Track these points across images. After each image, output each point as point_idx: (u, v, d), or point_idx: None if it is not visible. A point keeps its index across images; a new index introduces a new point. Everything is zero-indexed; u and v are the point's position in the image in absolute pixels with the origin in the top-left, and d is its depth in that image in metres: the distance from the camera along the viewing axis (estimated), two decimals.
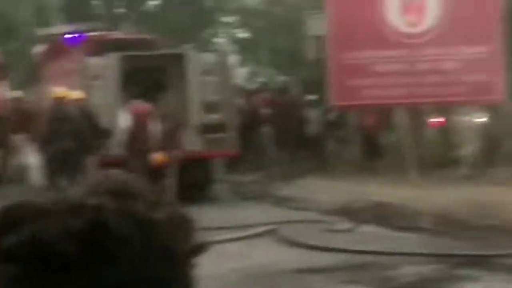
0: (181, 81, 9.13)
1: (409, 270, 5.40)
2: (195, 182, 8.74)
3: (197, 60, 9.33)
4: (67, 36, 9.87)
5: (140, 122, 8.38)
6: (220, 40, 17.97)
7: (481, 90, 9.53)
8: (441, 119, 11.75)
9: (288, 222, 7.11)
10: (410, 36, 9.63)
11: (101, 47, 9.04)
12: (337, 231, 6.79)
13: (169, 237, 0.33)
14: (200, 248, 0.36)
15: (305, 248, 6.06)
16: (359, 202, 7.66)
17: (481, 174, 9.32)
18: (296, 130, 11.71)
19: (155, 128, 8.49)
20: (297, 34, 13.26)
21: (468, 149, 10.79)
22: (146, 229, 0.32)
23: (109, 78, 8.83)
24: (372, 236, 6.60)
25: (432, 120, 11.75)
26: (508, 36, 9.15)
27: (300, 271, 5.38)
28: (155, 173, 7.77)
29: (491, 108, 10.94)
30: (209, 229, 4.99)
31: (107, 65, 8.84)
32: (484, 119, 11.74)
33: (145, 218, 0.32)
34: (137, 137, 8.29)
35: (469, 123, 12.01)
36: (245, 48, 17.12)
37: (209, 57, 9.89)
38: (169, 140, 8.37)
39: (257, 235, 6.58)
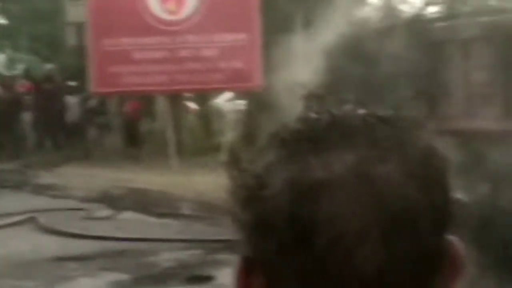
0: None
1: (168, 256, 5.57)
2: None
3: None
4: None
5: None
6: None
7: (239, 77, 9.84)
8: (196, 106, 12.43)
9: (47, 210, 6.99)
10: (169, 23, 9.80)
11: None
12: (96, 218, 6.84)
13: None
14: None
15: (64, 236, 6.03)
16: (119, 189, 7.76)
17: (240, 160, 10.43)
18: (57, 117, 11.62)
19: None
20: (57, 21, 13.14)
21: (228, 135, 11.13)
22: None
23: None
24: (131, 223, 6.71)
25: (190, 106, 12.42)
26: (266, 23, 9.52)
27: (59, 259, 5.39)
28: None
29: (249, 95, 11.44)
30: None
31: None
32: (243, 106, 12.22)
33: None
34: None
35: (228, 109, 12.36)
36: (1, 34, 16.26)
37: None
38: None
39: (16, 224, 6.49)
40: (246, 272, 0.33)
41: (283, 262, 0.30)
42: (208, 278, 5.12)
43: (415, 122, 0.33)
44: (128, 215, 6.97)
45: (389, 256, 0.29)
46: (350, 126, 0.31)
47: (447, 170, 0.32)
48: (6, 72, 15.15)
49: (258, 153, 0.34)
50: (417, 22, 8.35)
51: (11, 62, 16.64)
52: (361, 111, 0.33)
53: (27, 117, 11.55)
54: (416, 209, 0.29)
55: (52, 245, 5.79)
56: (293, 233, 0.29)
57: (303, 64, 7.62)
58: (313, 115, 0.33)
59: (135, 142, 11.13)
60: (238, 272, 0.34)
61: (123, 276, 5.17)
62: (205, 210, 6.99)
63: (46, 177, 9.06)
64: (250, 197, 0.32)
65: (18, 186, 8.69)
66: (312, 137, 0.31)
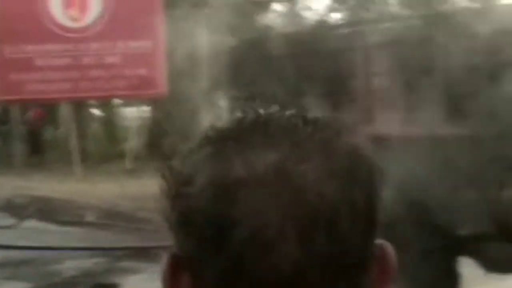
0: None
1: (72, 264, 5.39)
2: None
3: None
4: None
5: None
6: None
7: (143, 84, 9.78)
8: (101, 113, 12.23)
9: None
10: (72, 30, 9.72)
11: None
12: None
13: None
14: None
15: None
16: (22, 197, 7.46)
17: (144, 168, 9.43)
18: None
19: None
20: None
21: (132, 142, 10.94)
22: None
23: None
24: (35, 231, 6.44)
25: (94, 113, 12.22)
26: (169, 30, 9.19)
27: None
28: None
29: (153, 102, 11.29)
30: None
31: None
32: (147, 113, 12.11)
33: None
34: None
35: (132, 117, 12.19)
36: None
37: None
38: None
39: None
40: (173, 270, 0.34)
41: (204, 259, 0.31)
42: (112, 286, 4.94)
43: (341, 125, 0.34)
44: (31, 223, 6.71)
45: (306, 254, 0.29)
46: (274, 126, 0.32)
47: (372, 172, 0.33)
48: None
49: (186, 152, 0.35)
50: (320, 29, 8.49)
51: None
52: (287, 112, 0.34)
53: None
54: (335, 208, 0.30)
55: None
56: (212, 230, 0.30)
57: (206, 70, 7.74)
58: (239, 115, 0.34)
59: (39, 149, 10.85)
60: (165, 269, 0.35)
61: (25, 285, 5.15)
62: (109, 217, 6.90)
63: None
64: (176, 194, 0.33)
65: None
66: (236, 136, 0.32)
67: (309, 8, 9.82)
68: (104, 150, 11.13)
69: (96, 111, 12.41)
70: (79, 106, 10.71)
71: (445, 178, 3.83)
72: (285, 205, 0.29)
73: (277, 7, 10.65)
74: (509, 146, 3.72)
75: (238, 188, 0.30)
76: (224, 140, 0.32)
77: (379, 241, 0.34)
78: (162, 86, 9.62)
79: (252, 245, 0.29)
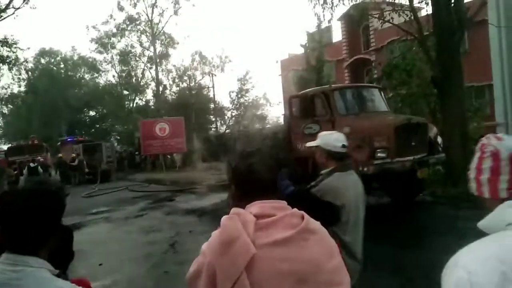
0: None
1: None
2: None
3: None
4: None
5: None
6: None
7: None
8: None
9: None
10: None
11: None
12: None
13: None
14: None
15: None
16: None
17: None
18: None
19: None
20: None
21: None
22: None
23: None
24: None
25: None
26: None
27: None
28: None
29: None
30: None
31: None
32: None
33: None
34: None
35: None
36: None
37: None
38: None
39: None
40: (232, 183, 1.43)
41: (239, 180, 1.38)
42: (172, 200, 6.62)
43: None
44: None
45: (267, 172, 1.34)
46: (259, 152, 1.42)
47: (279, 164, 1.53)
48: None
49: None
50: None
51: None
52: None
53: None
54: (275, 168, 1.43)
55: None
56: (247, 171, 1.34)
57: None
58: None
59: None
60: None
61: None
62: None
63: None
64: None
65: None
66: (251, 153, 1.45)
67: None
68: None
69: None
70: None
71: None
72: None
73: None
74: None
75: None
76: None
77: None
78: None
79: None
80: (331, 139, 2.61)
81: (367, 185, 8.38)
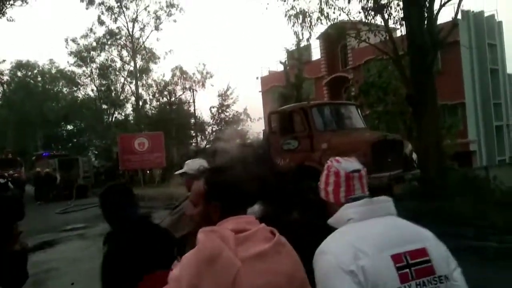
0: None
1: None
2: None
3: None
4: None
5: None
6: None
7: None
8: None
9: None
10: None
11: None
12: None
13: None
14: None
15: None
16: None
17: None
18: None
19: None
20: None
21: None
22: None
23: None
24: None
25: None
26: None
27: None
28: None
29: None
30: None
31: None
32: None
33: None
34: None
35: None
36: None
37: None
38: None
39: None
40: (205, 200, 1.35)
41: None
42: None
43: None
44: None
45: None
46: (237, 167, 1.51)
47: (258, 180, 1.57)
48: None
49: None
50: None
51: None
52: None
53: None
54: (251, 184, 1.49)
55: None
56: (224, 185, 1.34)
57: None
58: None
59: None
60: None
61: None
62: None
63: None
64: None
65: None
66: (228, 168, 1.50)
67: None
68: None
69: None
70: None
71: None
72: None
73: None
74: None
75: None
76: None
77: None
78: None
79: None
80: (195, 164, 2.65)
81: None
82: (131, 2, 32.62)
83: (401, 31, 12.36)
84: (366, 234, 1.20)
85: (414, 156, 9.30)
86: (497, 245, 6.28)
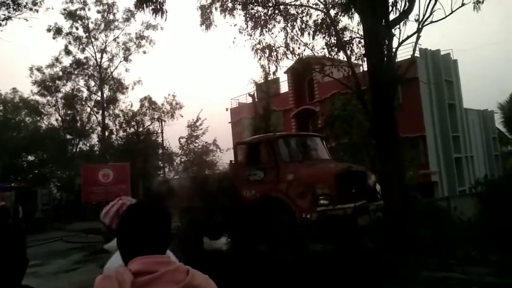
0: None
1: None
2: None
3: None
4: None
5: None
6: None
7: None
8: None
9: None
10: None
11: None
12: None
13: None
14: None
15: None
16: None
17: None
18: None
19: None
20: None
21: None
22: None
23: None
24: None
25: None
26: None
27: None
28: None
29: None
30: None
31: None
32: None
33: None
34: None
35: None
36: None
37: None
38: None
39: None
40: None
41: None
42: None
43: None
44: None
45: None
46: (143, 206, 1.42)
47: (167, 218, 1.44)
48: None
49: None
50: None
51: None
52: None
53: None
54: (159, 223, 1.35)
55: None
56: (126, 228, 1.31)
57: None
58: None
59: None
60: None
61: None
62: None
63: None
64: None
65: None
66: (134, 208, 1.44)
67: None
68: None
69: None
70: None
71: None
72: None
73: None
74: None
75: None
76: None
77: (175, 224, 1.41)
78: None
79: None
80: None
81: (312, 232, 8.53)
82: (100, 32, 32.57)
83: (363, 66, 12.90)
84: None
85: (378, 187, 9.47)
86: (461, 276, 6.38)
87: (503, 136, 31.03)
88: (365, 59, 11.21)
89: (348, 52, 11.93)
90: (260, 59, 12.63)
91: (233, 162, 10.17)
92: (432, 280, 6.26)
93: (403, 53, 14.50)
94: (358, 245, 9.32)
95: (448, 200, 12.24)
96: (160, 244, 1.28)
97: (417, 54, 13.90)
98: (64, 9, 31.76)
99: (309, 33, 12.56)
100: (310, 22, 12.61)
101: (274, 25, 12.62)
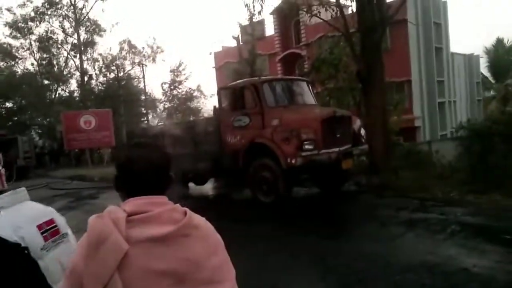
0: None
1: None
2: None
3: None
4: None
5: None
6: None
7: None
8: None
9: None
10: None
11: None
12: None
13: None
14: None
15: None
16: None
17: None
18: None
19: None
20: None
21: None
22: None
23: None
24: None
25: None
26: None
27: None
28: None
29: None
30: None
31: None
32: None
33: None
34: None
35: None
36: None
37: None
38: None
39: None
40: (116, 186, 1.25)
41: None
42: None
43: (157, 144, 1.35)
44: None
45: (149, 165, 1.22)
46: (144, 143, 1.30)
47: (167, 157, 1.29)
48: None
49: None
50: None
51: None
52: (145, 141, 1.32)
53: None
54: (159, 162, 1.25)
55: None
56: (125, 165, 1.23)
57: None
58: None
59: None
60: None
61: None
62: None
63: None
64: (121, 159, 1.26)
65: None
66: (134, 145, 1.31)
67: None
68: None
69: None
70: None
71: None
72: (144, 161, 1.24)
73: None
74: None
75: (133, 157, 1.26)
76: (130, 146, 1.32)
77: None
78: None
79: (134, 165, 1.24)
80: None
81: (296, 176, 8.63)
82: None
83: (352, 8, 12.39)
84: (18, 214, 1.60)
85: (363, 131, 9.49)
86: (439, 217, 6.59)
87: (487, 81, 31.21)
88: None
89: None
90: None
91: (217, 107, 9.95)
92: (411, 220, 6.45)
93: None
94: (340, 188, 9.51)
95: (429, 144, 12.43)
96: (160, 183, 1.25)
97: None
98: None
99: None
100: None
101: None
